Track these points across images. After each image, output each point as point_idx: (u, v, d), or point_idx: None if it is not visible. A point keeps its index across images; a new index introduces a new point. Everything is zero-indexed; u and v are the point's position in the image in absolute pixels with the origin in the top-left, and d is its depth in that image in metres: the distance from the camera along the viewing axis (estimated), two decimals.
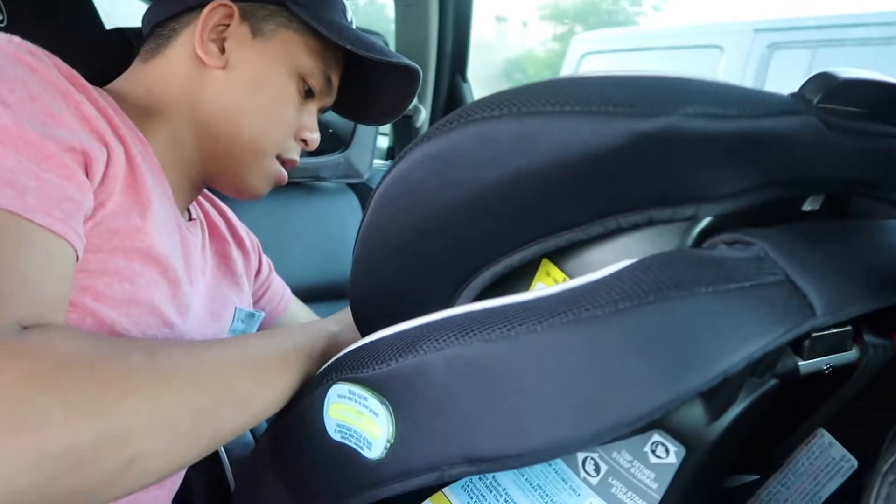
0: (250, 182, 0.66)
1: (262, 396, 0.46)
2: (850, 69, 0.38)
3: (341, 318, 0.61)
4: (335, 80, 0.70)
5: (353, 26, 0.71)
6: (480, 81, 1.45)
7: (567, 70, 3.64)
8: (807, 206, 0.41)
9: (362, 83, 0.74)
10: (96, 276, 0.48)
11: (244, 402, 0.44)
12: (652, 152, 0.33)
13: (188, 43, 0.62)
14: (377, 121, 0.81)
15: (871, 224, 0.42)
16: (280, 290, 0.87)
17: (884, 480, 0.26)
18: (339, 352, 0.51)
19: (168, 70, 0.62)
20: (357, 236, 0.46)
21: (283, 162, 0.68)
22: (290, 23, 0.64)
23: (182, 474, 0.62)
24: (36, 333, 0.37)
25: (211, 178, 0.66)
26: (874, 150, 0.39)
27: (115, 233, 0.49)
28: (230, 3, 0.62)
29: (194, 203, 0.73)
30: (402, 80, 0.71)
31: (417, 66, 0.69)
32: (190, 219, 0.69)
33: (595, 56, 3.56)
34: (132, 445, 0.36)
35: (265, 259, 0.85)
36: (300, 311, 0.90)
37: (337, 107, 0.75)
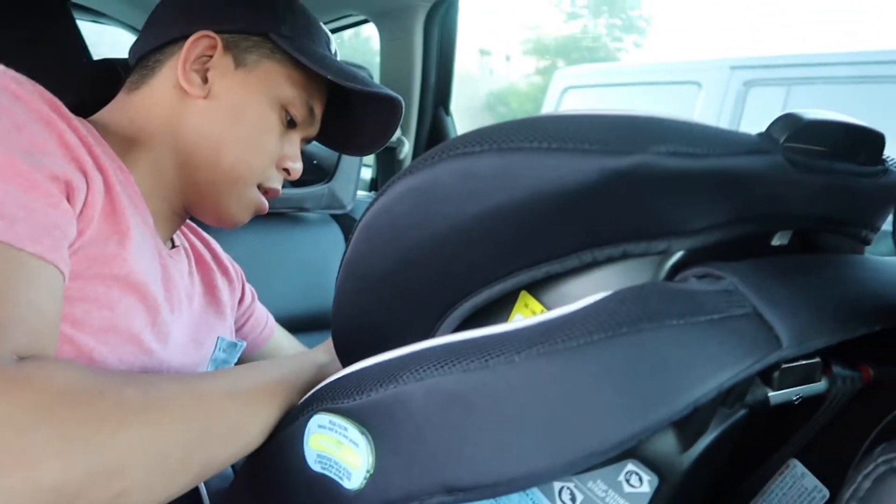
0: (230, 210, 0.67)
1: (251, 428, 0.46)
2: (816, 110, 0.40)
3: (329, 348, 0.61)
4: (318, 110, 0.71)
5: (337, 58, 0.73)
6: (464, 114, 1.48)
7: (549, 103, 3.70)
8: (776, 241, 0.43)
9: (346, 113, 0.75)
10: (75, 302, 0.48)
11: (233, 435, 0.45)
12: (625, 188, 0.34)
13: (171, 74, 0.63)
14: (360, 151, 0.82)
15: (838, 258, 0.43)
16: (263, 318, 0.87)
17: None
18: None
19: (151, 100, 0.63)
20: (340, 267, 0.47)
21: (266, 191, 0.69)
22: (273, 54, 0.65)
23: None
24: (32, 365, 0.37)
25: (192, 206, 0.67)
26: (839, 187, 0.40)
27: (93, 260, 0.49)
28: (213, 35, 0.63)
29: (178, 232, 0.73)
30: (385, 110, 0.72)
31: (399, 97, 0.71)
32: (173, 246, 0.69)
33: (577, 91, 3.63)
34: (122, 480, 0.37)
35: (248, 287, 0.85)
36: (284, 340, 0.90)
37: (321, 137, 0.76)
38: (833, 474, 0.47)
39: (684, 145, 0.34)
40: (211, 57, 0.64)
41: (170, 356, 0.58)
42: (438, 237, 0.40)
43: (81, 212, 0.48)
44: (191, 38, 0.63)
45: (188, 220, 0.76)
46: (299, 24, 0.67)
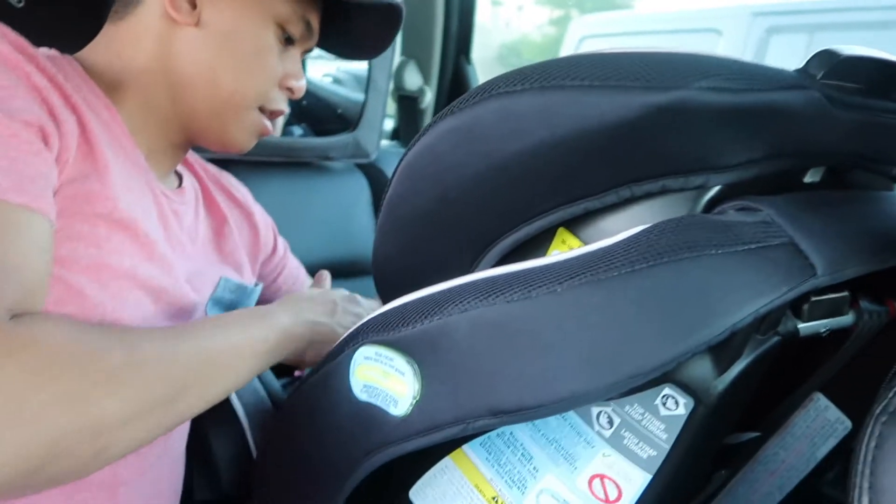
0: (233, 136, 0.65)
1: (220, 385, 0.50)
2: (852, 47, 0.40)
3: (296, 310, 0.61)
4: (315, 22, 0.67)
5: None
6: (477, 65, 1.47)
7: (565, 54, 3.63)
8: (808, 178, 0.44)
9: (345, 18, 0.71)
10: (60, 242, 0.48)
11: (204, 392, 0.49)
12: (666, 123, 0.35)
13: (158, 1, 0.60)
14: (364, 56, 0.78)
15: (871, 194, 0.44)
16: (296, 270, 0.88)
17: (876, 420, 0.28)
18: (290, 344, 0.56)
19: (138, 31, 0.60)
20: (381, 205, 0.48)
21: (271, 112, 0.67)
22: None
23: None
24: (27, 325, 0.39)
25: (193, 136, 0.65)
26: (873, 124, 0.41)
27: (72, 199, 0.49)
28: None
29: (189, 173, 0.73)
30: (384, 14, 0.69)
31: (398, 2, 0.67)
32: (179, 186, 0.69)
33: (594, 40, 3.57)
34: (104, 437, 0.40)
35: (281, 240, 0.85)
36: None
37: (322, 45, 0.74)
38: (856, 407, 0.49)
39: (724, 80, 0.35)
40: None
41: (175, 292, 0.58)
42: (479, 175, 0.41)
43: (57, 155, 0.48)
44: None
45: (211, 164, 0.75)
46: None
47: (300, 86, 0.68)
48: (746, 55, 2.69)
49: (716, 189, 0.39)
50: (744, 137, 0.37)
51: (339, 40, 0.74)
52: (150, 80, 0.61)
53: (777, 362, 0.48)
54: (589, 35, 3.62)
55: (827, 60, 0.38)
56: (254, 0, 0.62)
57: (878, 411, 0.29)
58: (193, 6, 0.60)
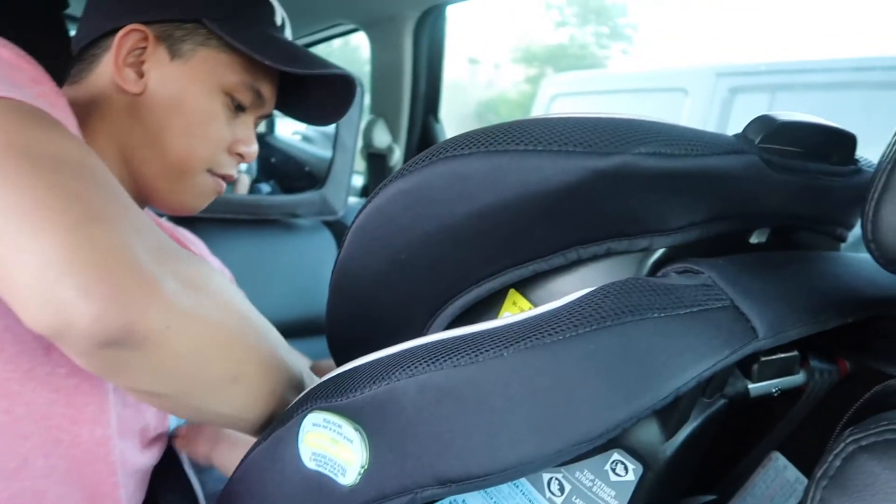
0: (182, 199, 0.66)
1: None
2: (790, 112, 0.42)
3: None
4: (266, 91, 0.68)
5: (286, 30, 0.70)
6: (455, 122, 1.50)
7: (538, 111, 3.72)
8: (754, 239, 0.44)
9: (301, 88, 0.72)
10: None
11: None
12: (608, 188, 0.36)
13: (108, 69, 0.61)
14: (321, 122, 0.79)
15: (813, 255, 0.45)
16: None
17: (817, 485, 0.28)
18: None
19: (90, 96, 0.61)
20: (333, 268, 0.48)
21: (221, 177, 0.67)
22: (208, 41, 0.63)
23: None
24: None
25: (144, 198, 0.65)
26: (813, 186, 0.42)
27: None
28: (143, 28, 0.61)
29: None
30: (340, 86, 0.70)
31: (349, 73, 0.68)
32: None
33: (565, 98, 3.66)
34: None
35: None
36: None
37: (281, 108, 0.74)
38: (814, 466, 0.49)
39: (664, 146, 0.35)
40: (144, 49, 0.62)
41: None
42: (429, 238, 0.41)
43: None
44: (120, 33, 0.61)
45: (168, 220, 0.75)
46: (236, 5, 0.65)
47: (250, 151, 0.68)
48: (712, 114, 2.78)
49: (661, 251, 0.39)
50: (685, 201, 0.38)
51: (296, 107, 0.75)
52: (102, 143, 0.61)
53: (731, 422, 0.48)
54: (560, 93, 3.71)
55: (766, 125, 0.39)
56: (200, 70, 0.63)
57: (818, 475, 0.29)
58: (140, 75, 0.62)
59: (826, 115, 0.43)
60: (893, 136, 0.31)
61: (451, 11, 1.39)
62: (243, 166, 1.41)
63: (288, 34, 0.72)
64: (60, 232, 0.38)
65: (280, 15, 0.70)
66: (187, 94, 0.62)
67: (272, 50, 0.63)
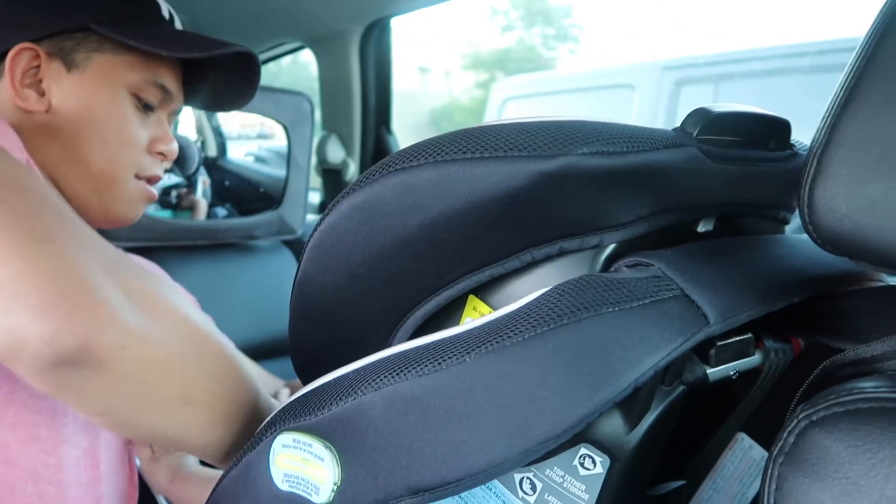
0: (116, 209, 0.65)
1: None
2: (726, 103, 0.43)
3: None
4: (171, 84, 0.67)
5: (176, 22, 0.69)
6: (409, 131, 1.50)
7: (490, 116, 3.75)
8: (701, 228, 0.46)
9: (203, 76, 0.71)
10: None
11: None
12: (555, 189, 0.37)
13: (7, 93, 0.60)
14: (231, 106, 0.77)
15: (760, 239, 0.47)
16: None
17: (774, 462, 0.29)
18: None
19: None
20: (292, 289, 0.48)
21: (148, 179, 0.67)
22: (101, 46, 0.62)
23: None
24: None
25: (79, 214, 0.65)
26: (752, 173, 0.43)
27: None
28: (32, 46, 0.60)
29: None
30: (244, 64, 0.69)
31: (247, 49, 0.67)
32: None
33: (516, 101, 3.69)
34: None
35: None
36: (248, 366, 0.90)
37: (192, 102, 0.74)
38: None
39: (606, 145, 0.36)
40: (39, 67, 0.60)
41: None
42: (385, 251, 0.42)
43: None
44: (9, 56, 0.59)
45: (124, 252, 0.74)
46: (121, 6, 0.64)
47: (171, 149, 0.68)
48: (660, 107, 2.83)
49: (612, 247, 0.40)
50: (630, 196, 0.39)
51: (206, 96, 0.74)
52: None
53: (694, 408, 0.49)
54: (511, 97, 3.75)
55: (701, 118, 0.41)
56: (100, 77, 0.62)
57: (775, 453, 0.30)
58: (41, 93, 0.60)
59: (767, 102, 0.45)
60: (821, 121, 0.32)
61: (396, 22, 1.40)
62: (199, 190, 1.40)
63: (178, 26, 0.71)
64: (10, 254, 0.38)
65: (166, 9, 0.69)
66: (93, 103, 0.62)
67: (165, 41, 0.63)
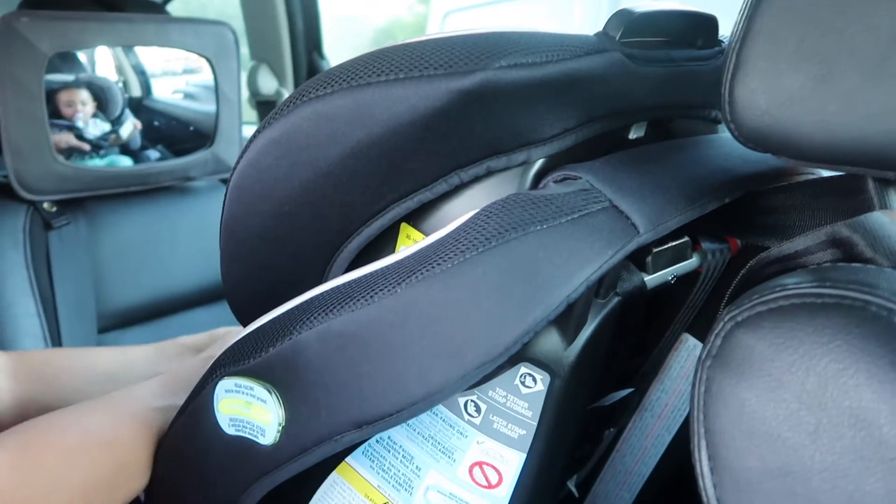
0: None
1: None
2: (649, 3, 0.41)
3: (174, 389, 0.55)
4: None
5: None
6: (351, 55, 1.44)
7: (432, 31, 3.63)
8: (632, 135, 0.45)
9: None
10: None
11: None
12: (475, 107, 0.35)
13: None
14: None
15: (691, 141, 0.46)
16: None
17: (703, 365, 0.29)
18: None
19: None
20: (220, 232, 0.46)
21: None
22: None
23: None
24: None
25: None
26: (679, 74, 0.42)
27: None
28: None
29: None
30: None
31: None
32: None
33: (457, 13, 3.58)
34: None
35: None
36: None
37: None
38: None
39: (524, 56, 0.35)
40: None
41: None
42: (308, 184, 0.40)
43: None
44: None
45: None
46: None
47: None
48: (601, 9, 2.78)
49: (540, 162, 0.39)
50: (554, 108, 0.37)
51: None
52: None
53: (635, 318, 0.50)
54: (453, 10, 3.63)
55: (623, 20, 0.39)
56: None
57: (703, 355, 0.30)
58: None
59: None
60: (739, 13, 0.31)
61: None
62: (128, 130, 1.31)
63: None
64: None
65: None
66: None
67: None
